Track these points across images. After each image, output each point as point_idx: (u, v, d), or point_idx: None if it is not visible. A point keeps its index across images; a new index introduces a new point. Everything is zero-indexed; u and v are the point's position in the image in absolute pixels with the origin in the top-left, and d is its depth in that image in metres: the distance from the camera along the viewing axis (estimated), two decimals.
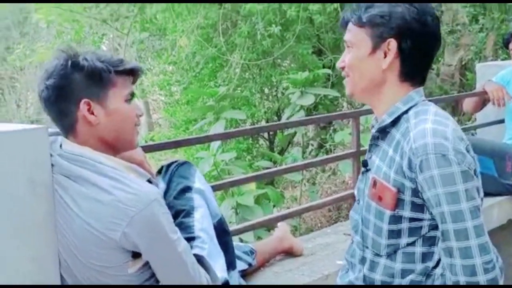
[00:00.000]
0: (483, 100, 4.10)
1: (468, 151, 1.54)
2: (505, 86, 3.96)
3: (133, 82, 1.93)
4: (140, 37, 9.52)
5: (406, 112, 1.64)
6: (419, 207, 1.57)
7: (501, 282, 1.51)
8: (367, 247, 1.71)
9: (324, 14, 6.87)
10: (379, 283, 1.67)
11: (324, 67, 7.27)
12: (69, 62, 1.80)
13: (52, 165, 1.81)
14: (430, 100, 1.71)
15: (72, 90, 1.80)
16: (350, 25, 1.70)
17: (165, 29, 8.79)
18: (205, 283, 1.86)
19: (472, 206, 1.49)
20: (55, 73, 1.80)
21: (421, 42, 1.64)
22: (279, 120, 7.44)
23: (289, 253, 2.83)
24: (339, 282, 1.84)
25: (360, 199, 1.76)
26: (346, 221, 3.65)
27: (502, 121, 4.13)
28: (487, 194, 3.51)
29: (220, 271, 1.97)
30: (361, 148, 3.35)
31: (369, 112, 4.00)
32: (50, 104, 1.83)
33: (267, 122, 7.75)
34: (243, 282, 2.37)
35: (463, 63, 7.74)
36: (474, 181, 1.52)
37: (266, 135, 7.78)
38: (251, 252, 2.57)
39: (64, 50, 1.84)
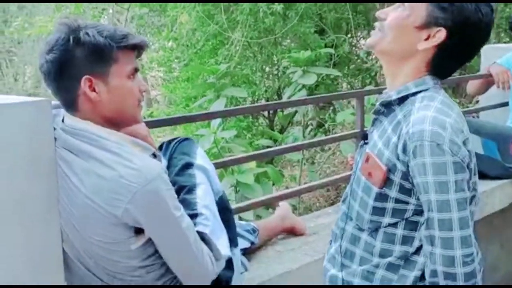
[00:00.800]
0: (488, 83, 4.08)
1: (465, 144, 1.52)
2: (510, 69, 3.93)
3: (137, 57, 1.89)
4: (140, 12, 9.44)
5: (414, 94, 1.62)
6: (406, 190, 1.57)
7: (479, 276, 1.51)
8: (351, 219, 1.72)
9: None
10: (358, 258, 1.68)
11: (326, 46, 7.21)
12: (71, 37, 1.76)
13: (55, 138, 1.78)
14: None
15: (73, 66, 1.76)
16: None
17: (165, 5, 8.70)
18: (207, 260, 1.85)
19: (460, 197, 1.48)
20: (56, 48, 1.76)
21: (463, 50, 1.61)
22: (279, 98, 7.39)
23: (291, 232, 2.83)
24: (326, 254, 1.84)
25: (356, 171, 1.76)
26: None
27: (506, 104, 4.11)
28: (490, 177, 3.55)
29: (223, 248, 1.95)
30: (365, 129, 3.32)
31: (374, 92, 3.99)
32: (51, 79, 1.79)
33: (267, 100, 7.69)
34: (245, 260, 2.36)
35: None
36: (466, 173, 1.50)
37: (266, 113, 7.74)
38: (254, 231, 2.56)
39: (66, 23, 1.79)
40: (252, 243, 2.54)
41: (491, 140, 3.68)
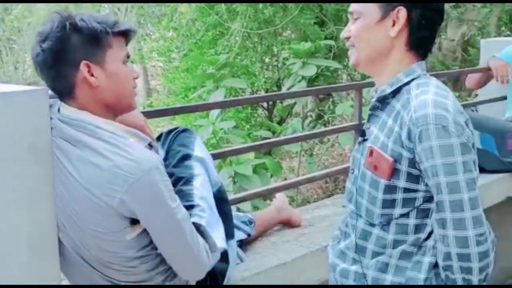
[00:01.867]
0: (487, 77, 4.07)
1: (467, 125, 1.55)
2: (510, 63, 3.93)
3: (126, 44, 1.90)
4: None
5: (407, 84, 1.66)
6: (414, 178, 1.58)
7: (492, 255, 1.53)
8: (360, 216, 1.72)
9: None
10: (370, 253, 1.69)
11: (326, 38, 7.21)
12: (67, 24, 1.76)
13: (52, 128, 1.78)
14: (432, 75, 1.73)
15: (71, 52, 1.76)
16: None
17: None
18: (203, 252, 1.85)
19: (468, 178, 1.50)
20: (52, 36, 1.76)
21: (429, 14, 1.66)
22: (278, 90, 7.39)
23: (287, 224, 2.83)
24: (330, 251, 1.86)
25: (354, 169, 1.78)
26: (344, 193, 3.66)
27: (504, 98, 4.11)
28: (486, 171, 3.55)
29: (219, 240, 1.95)
30: (363, 121, 3.32)
31: (372, 84, 3.97)
32: (47, 68, 1.79)
33: (266, 91, 7.69)
34: (241, 252, 2.37)
35: (466, 38, 7.71)
36: (472, 154, 1.53)
37: (265, 104, 7.74)
38: (250, 222, 2.57)
39: (57, 12, 1.80)
40: (248, 234, 2.54)
41: (489, 134, 3.68)
